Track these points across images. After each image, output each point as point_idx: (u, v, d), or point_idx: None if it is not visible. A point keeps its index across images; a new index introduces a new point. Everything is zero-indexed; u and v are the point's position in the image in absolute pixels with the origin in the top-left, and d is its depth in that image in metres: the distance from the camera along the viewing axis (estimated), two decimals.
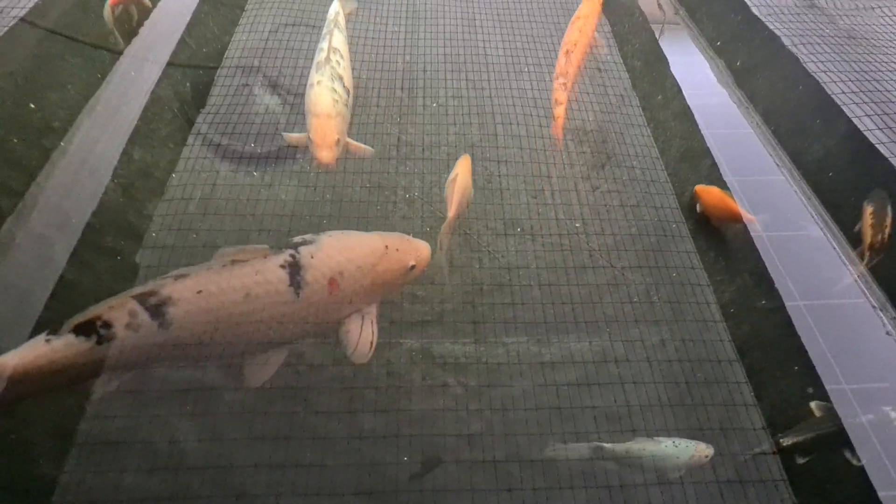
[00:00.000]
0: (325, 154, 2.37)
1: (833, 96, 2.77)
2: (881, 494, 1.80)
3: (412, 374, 2.18)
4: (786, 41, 3.19)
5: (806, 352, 2.15)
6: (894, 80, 2.94)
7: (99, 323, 1.59)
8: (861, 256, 2.38)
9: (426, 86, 3.38)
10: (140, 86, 2.96)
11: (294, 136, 2.68)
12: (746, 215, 2.58)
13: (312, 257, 1.79)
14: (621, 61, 3.72)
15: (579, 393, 2.17)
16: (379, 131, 3.07)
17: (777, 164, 2.87)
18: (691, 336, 2.36)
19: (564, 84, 3.12)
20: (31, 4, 2.87)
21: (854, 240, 2.46)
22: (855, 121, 2.62)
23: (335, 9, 3.08)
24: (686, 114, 3.14)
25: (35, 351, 1.53)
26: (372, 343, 1.81)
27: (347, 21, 3.11)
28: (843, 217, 2.57)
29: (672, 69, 3.49)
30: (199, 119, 3.03)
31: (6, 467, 1.79)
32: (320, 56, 2.69)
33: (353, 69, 3.07)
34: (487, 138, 3.10)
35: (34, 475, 1.83)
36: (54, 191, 2.40)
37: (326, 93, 2.51)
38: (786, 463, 2.02)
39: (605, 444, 1.97)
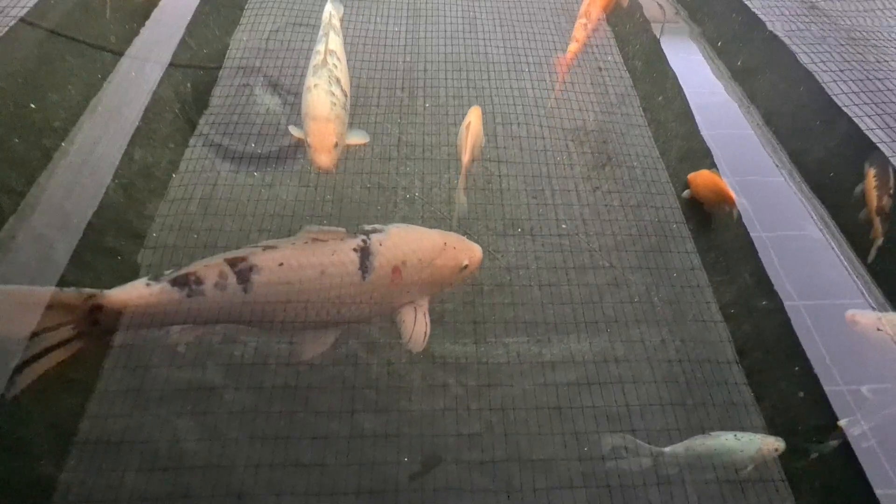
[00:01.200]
0: (324, 158, 2.34)
1: (834, 97, 2.77)
2: (878, 493, 1.80)
3: (412, 374, 2.18)
4: (786, 41, 3.19)
5: (805, 352, 2.15)
6: (895, 79, 2.94)
7: (192, 278, 1.77)
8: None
9: (426, 86, 3.39)
10: (141, 86, 2.97)
11: (298, 132, 2.64)
12: (731, 193, 2.60)
13: (381, 245, 1.92)
14: (622, 61, 3.72)
15: (579, 393, 2.17)
16: (379, 131, 3.08)
17: (777, 165, 2.87)
18: (691, 336, 2.36)
19: (586, 24, 3.23)
20: (31, 4, 2.87)
21: (853, 241, 2.46)
22: (856, 121, 2.62)
23: (329, 10, 3.07)
24: (687, 114, 3.14)
25: (136, 291, 1.74)
26: (425, 333, 1.92)
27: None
28: (844, 218, 2.57)
29: (673, 69, 3.49)
30: (201, 119, 3.04)
31: (7, 466, 1.79)
32: (317, 59, 2.67)
33: (352, 70, 3.07)
34: (488, 138, 3.10)
35: (35, 474, 1.83)
36: (55, 191, 2.40)
37: (324, 96, 2.49)
38: (785, 463, 2.02)
39: (665, 449, 1.95)
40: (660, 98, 3.41)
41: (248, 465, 1.92)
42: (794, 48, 3.13)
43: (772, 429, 2.11)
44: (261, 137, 2.95)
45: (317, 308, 1.84)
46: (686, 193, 2.78)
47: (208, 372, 2.13)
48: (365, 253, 1.88)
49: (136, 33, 3.23)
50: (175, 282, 1.77)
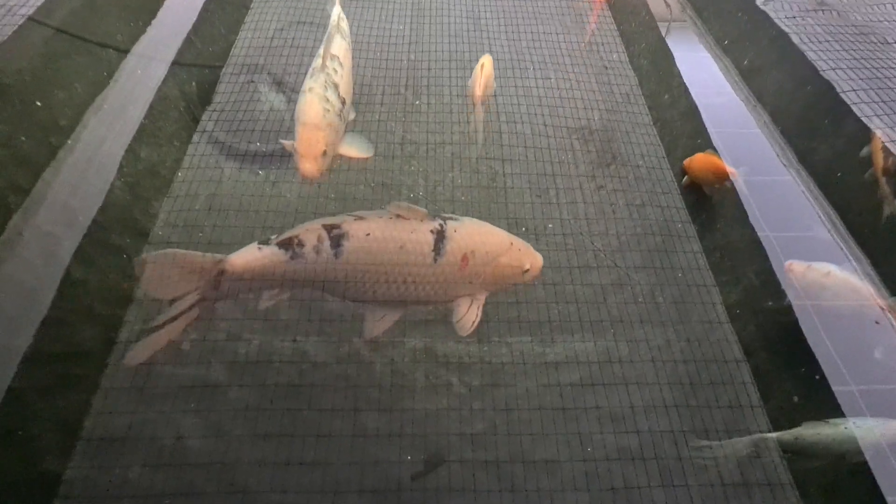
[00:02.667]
0: (308, 166, 2.27)
1: (843, 94, 2.74)
2: (890, 500, 1.78)
3: (416, 374, 2.18)
4: (794, 39, 3.15)
5: (812, 353, 2.13)
6: None
7: (296, 241, 1.93)
8: (876, 182, 2.25)
9: (430, 84, 3.38)
10: (146, 84, 2.98)
11: (290, 144, 2.63)
12: (730, 169, 2.60)
13: (455, 231, 2.00)
14: (627, 60, 3.69)
15: (583, 393, 2.16)
16: (383, 129, 3.07)
17: (784, 164, 2.84)
18: (697, 337, 2.35)
19: None
20: (38, 3, 2.89)
21: (861, 241, 2.43)
22: (865, 120, 2.59)
23: (337, 12, 3.02)
24: (693, 113, 3.12)
25: (251, 254, 1.94)
26: (474, 323, 2.00)
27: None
28: (852, 217, 2.54)
29: (679, 68, 3.46)
30: (205, 117, 3.04)
31: (13, 462, 1.80)
32: (316, 62, 2.62)
33: (356, 68, 3.06)
34: (492, 137, 3.09)
35: (40, 470, 1.84)
36: (61, 188, 2.41)
37: (317, 101, 2.41)
38: (792, 466, 2.00)
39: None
40: (666, 97, 3.39)
41: (252, 463, 1.93)
42: (802, 46, 3.10)
43: (777, 430, 2.09)
44: (265, 135, 2.96)
45: (389, 281, 1.94)
46: (685, 180, 2.80)
47: (212, 369, 2.13)
48: (440, 236, 1.97)
49: (142, 31, 3.24)
50: (281, 245, 1.94)
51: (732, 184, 2.64)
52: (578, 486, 1.94)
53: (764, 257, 2.44)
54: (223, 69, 3.35)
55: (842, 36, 3.20)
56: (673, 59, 3.54)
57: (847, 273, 2.19)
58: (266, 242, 1.96)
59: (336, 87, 2.54)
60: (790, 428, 2.05)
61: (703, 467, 1.99)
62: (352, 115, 2.88)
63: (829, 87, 2.83)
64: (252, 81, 3.27)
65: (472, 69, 3.49)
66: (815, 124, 2.87)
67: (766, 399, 2.17)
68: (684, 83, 3.31)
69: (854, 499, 1.88)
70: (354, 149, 2.56)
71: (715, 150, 2.82)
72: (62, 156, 2.51)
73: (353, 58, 2.96)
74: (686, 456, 2.02)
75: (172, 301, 1.91)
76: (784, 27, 3.26)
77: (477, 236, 2.04)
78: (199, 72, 3.26)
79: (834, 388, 2.04)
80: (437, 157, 2.97)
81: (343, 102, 2.56)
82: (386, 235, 1.94)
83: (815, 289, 2.18)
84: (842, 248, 2.42)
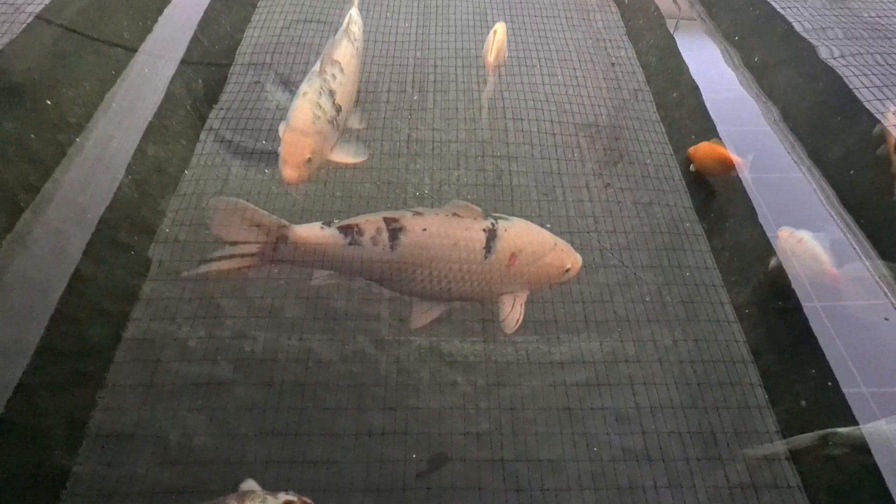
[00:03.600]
0: (290, 172, 2.24)
1: (855, 91, 2.69)
2: None
3: (421, 372, 2.18)
4: (806, 35, 3.10)
5: (823, 354, 2.10)
6: None
7: (356, 228, 2.01)
8: (888, 159, 2.27)
9: (436, 81, 3.37)
10: (154, 83, 2.99)
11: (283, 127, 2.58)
12: (734, 158, 2.61)
13: (505, 231, 2.05)
14: (635, 57, 3.66)
15: (589, 393, 2.14)
16: (389, 127, 3.07)
17: (795, 162, 2.80)
18: (704, 337, 2.32)
19: None
20: (46, 1, 2.91)
21: (875, 240, 2.39)
22: (879, 117, 2.54)
23: (350, 15, 2.96)
24: (701, 111, 3.08)
25: (314, 231, 2.05)
26: (518, 321, 2.05)
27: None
28: (865, 216, 2.50)
29: (688, 65, 3.43)
30: (212, 115, 3.06)
31: (21, 457, 1.83)
32: (315, 66, 2.58)
33: (361, 66, 3.04)
34: (498, 135, 3.08)
35: (48, 465, 1.86)
36: (70, 186, 2.43)
37: (308, 107, 2.37)
38: (801, 468, 1.98)
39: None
40: (674, 94, 3.35)
41: (258, 461, 1.93)
42: (813, 42, 3.05)
43: (787, 433, 2.07)
44: (271, 134, 2.96)
45: (440, 276, 2.00)
46: (691, 168, 2.82)
47: (219, 367, 2.14)
48: (491, 235, 2.02)
49: (149, 30, 3.26)
50: (341, 229, 2.02)
51: (737, 175, 2.64)
52: (584, 486, 1.93)
53: (773, 257, 2.40)
54: (230, 68, 3.36)
55: (854, 31, 3.14)
56: (681, 55, 3.50)
57: (816, 242, 2.24)
58: (328, 224, 2.06)
59: (332, 93, 2.48)
60: (799, 430, 2.03)
61: (710, 469, 1.97)
62: (361, 124, 2.84)
63: (841, 82, 2.79)
64: (259, 80, 3.28)
65: (478, 67, 3.48)
66: (826, 121, 2.83)
67: (775, 401, 2.15)
68: (693, 80, 3.27)
69: (862, 501, 1.85)
70: (346, 155, 2.52)
71: (720, 139, 2.81)
72: (71, 154, 2.54)
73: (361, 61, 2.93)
74: (693, 457, 2.00)
75: (234, 243, 2.04)
76: (795, 22, 3.21)
77: (525, 236, 2.10)
78: (206, 70, 3.27)
79: (844, 391, 2.02)
80: (443, 155, 2.96)
81: (339, 109, 2.50)
82: (441, 232, 2.00)
83: (787, 255, 2.27)
84: (854, 247, 2.38)
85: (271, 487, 1.83)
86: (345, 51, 2.73)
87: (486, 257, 2.00)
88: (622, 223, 2.70)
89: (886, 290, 2.20)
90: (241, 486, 1.73)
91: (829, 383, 2.03)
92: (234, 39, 3.56)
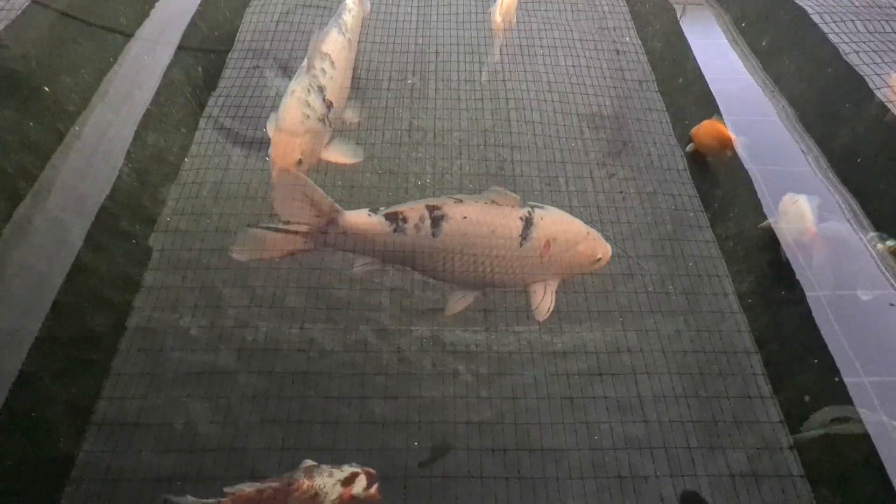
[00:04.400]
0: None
1: (866, 78, 2.64)
2: None
3: (423, 362, 2.18)
4: (816, 19, 3.04)
5: (826, 344, 2.09)
6: None
7: (401, 216, 2.06)
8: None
9: (438, 69, 3.32)
10: (152, 69, 2.95)
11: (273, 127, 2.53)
12: (733, 137, 2.65)
13: (542, 219, 2.09)
14: (640, 43, 3.60)
15: (591, 383, 2.14)
16: (390, 116, 3.03)
17: (803, 151, 2.77)
18: (707, 327, 2.32)
19: None
20: None
21: (882, 230, 2.37)
22: (889, 105, 2.50)
23: (344, 3, 2.88)
24: (707, 98, 3.04)
25: (362, 218, 2.08)
26: (549, 309, 2.09)
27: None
28: (872, 206, 2.47)
29: (693, 51, 3.37)
30: (211, 103, 3.02)
31: (26, 444, 1.84)
32: (305, 62, 2.51)
33: (362, 53, 2.99)
34: (500, 124, 3.04)
35: (53, 453, 1.88)
36: (69, 174, 2.41)
37: (296, 106, 2.31)
38: (803, 458, 1.98)
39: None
40: (679, 81, 3.30)
41: (260, 448, 1.95)
42: (823, 27, 2.99)
43: (788, 421, 2.07)
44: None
45: (478, 263, 2.05)
46: (689, 147, 2.83)
47: (221, 356, 2.14)
48: (528, 223, 2.06)
49: (147, 15, 3.21)
50: (387, 216, 2.06)
51: (735, 155, 2.66)
52: (585, 475, 1.94)
53: (777, 246, 2.39)
54: (229, 54, 3.31)
55: (865, 16, 3.08)
56: (687, 42, 3.44)
57: (808, 203, 2.34)
58: (375, 211, 2.10)
59: (322, 90, 2.41)
60: (801, 420, 2.03)
61: (712, 457, 1.98)
62: (357, 117, 2.76)
63: (850, 70, 2.74)
64: (258, 66, 3.23)
65: (480, 54, 3.43)
66: (835, 109, 2.78)
67: (777, 390, 2.15)
68: (699, 67, 3.22)
69: (864, 490, 1.86)
70: (341, 154, 2.47)
71: (720, 115, 2.81)
72: (69, 141, 2.51)
73: (359, 47, 2.86)
74: (695, 445, 2.01)
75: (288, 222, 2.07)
76: (805, 7, 3.14)
77: (560, 224, 2.14)
78: (204, 56, 3.23)
79: (846, 380, 2.01)
80: (445, 143, 2.93)
81: (330, 106, 2.43)
82: (480, 219, 2.04)
83: (782, 215, 2.40)
84: (861, 237, 2.36)
85: (274, 474, 1.85)
86: (335, 42, 2.63)
87: (521, 244, 2.05)
88: (625, 213, 2.68)
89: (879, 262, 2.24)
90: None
91: (831, 373, 2.03)
92: (233, 25, 3.50)
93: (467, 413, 2.05)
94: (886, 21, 3.02)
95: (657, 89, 3.30)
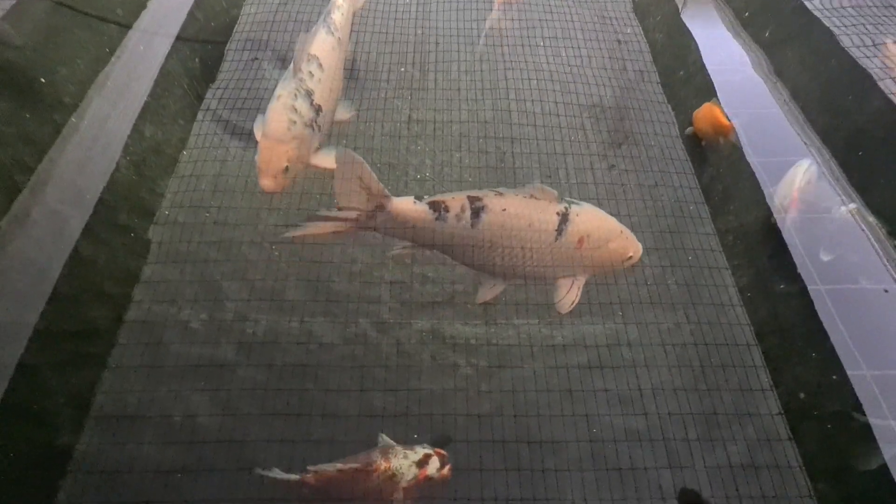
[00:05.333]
0: (267, 183, 2.20)
1: (869, 70, 2.62)
2: None
3: (422, 355, 2.18)
4: (818, 12, 3.01)
5: (827, 336, 2.09)
6: None
7: (443, 205, 2.11)
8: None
9: (438, 60, 3.29)
10: (149, 60, 2.93)
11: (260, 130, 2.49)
12: (728, 123, 2.66)
13: (577, 215, 2.14)
14: (642, 35, 3.57)
15: (591, 376, 2.14)
16: (389, 108, 3.01)
17: (805, 143, 2.75)
18: (708, 319, 2.31)
19: None
20: None
21: (885, 222, 2.36)
22: (891, 97, 2.48)
23: (333, 4, 2.77)
24: (709, 90, 3.01)
25: (408, 204, 2.14)
26: (573, 303, 2.14)
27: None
28: (874, 198, 2.46)
29: (696, 42, 3.34)
30: (209, 95, 3.00)
31: (26, 436, 1.84)
32: (291, 64, 2.45)
33: (361, 44, 2.95)
34: (500, 115, 3.02)
35: (52, 444, 1.88)
36: (67, 166, 2.40)
37: (282, 112, 2.27)
38: (801, 448, 1.99)
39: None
40: (681, 73, 3.27)
41: (260, 440, 1.95)
42: (825, 19, 2.96)
43: (787, 413, 2.07)
44: None
45: (513, 254, 2.11)
46: (689, 130, 2.85)
47: (221, 349, 2.14)
48: (563, 218, 2.11)
49: (143, 6, 3.17)
50: (431, 205, 2.13)
51: (733, 141, 2.68)
52: (584, 466, 1.94)
53: (779, 239, 2.37)
54: (227, 45, 3.28)
55: (867, 7, 3.04)
56: (689, 33, 3.40)
57: (801, 169, 2.42)
58: (420, 199, 2.16)
59: (309, 94, 2.36)
60: (803, 412, 2.03)
61: (711, 449, 1.98)
62: (349, 114, 2.70)
63: (853, 62, 2.71)
64: (256, 58, 3.21)
65: (479, 45, 3.40)
66: (837, 101, 2.76)
67: (777, 383, 2.15)
68: (701, 58, 3.19)
69: (863, 481, 1.86)
70: (330, 160, 2.41)
71: (718, 99, 2.82)
72: (67, 134, 2.49)
73: (356, 35, 2.81)
74: (694, 438, 2.01)
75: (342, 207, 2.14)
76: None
77: (594, 221, 2.18)
78: (202, 48, 3.20)
79: (847, 373, 2.01)
80: (444, 136, 2.91)
81: (318, 110, 2.38)
82: (519, 212, 2.10)
83: (783, 178, 2.46)
84: (863, 229, 2.35)
85: (273, 465, 1.85)
86: (323, 43, 2.55)
87: (556, 239, 2.10)
88: (626, 205, 2.66)
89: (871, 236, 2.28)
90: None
91: (832, 365, 2.02)
92: (231, 15, 3.47)
93: (467, 406, 2.06)
94: (889, 16, 2.98)
95: (659, 81, 3.28)
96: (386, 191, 2.10)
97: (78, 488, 1.83)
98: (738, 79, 3.14)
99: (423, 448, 1.83)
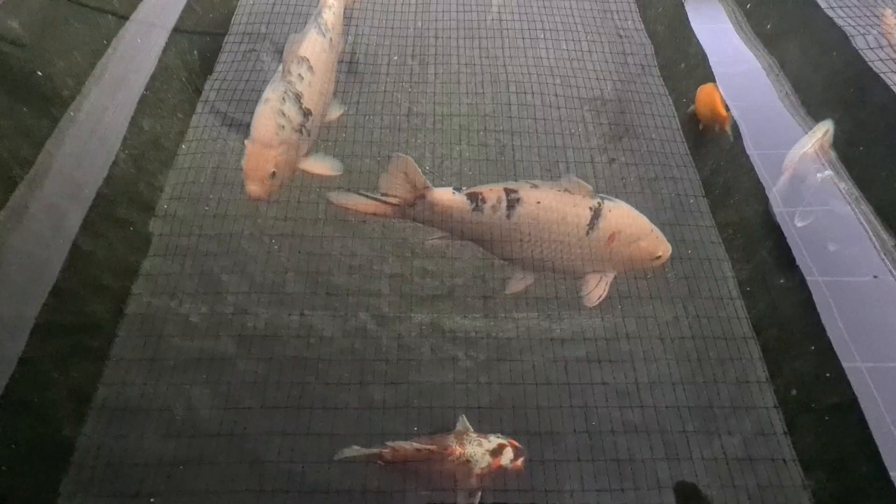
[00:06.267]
0: (254, 188, 2.16)
1: (871, 63, 2.60)
2: (893, 475, 1.78)
3: (422, 348, 2.19)
4: (821, 2, 2.98)
5: (824, 329, 2.10)
6: None
7: (480, 196, 2.16)
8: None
9: (438, 53, 3.27)
10: (147, 53, 2.90)
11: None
12: (724, 112, 2.69)
13: (610, 211, 2.17)
14: (643, 27, 3.54)
15: (589, 369, 2.16)
16: (388, 101, 2.99)
17: (818, 177, 2.73)
18: (706, 313, 2.32)
19: None
20: None
21: (884, 216, 2.36)
22: (894, 89, 2.47)
23: (324, 3, 2.72)
24: (710, 83, 2.99)
25: (447, 195, 2.19)
26: (601, 297, 2.17)
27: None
28: (875, 192, 2.45)
29: (697, 35, 3.31)
30: (207, 87, 2.98)
31: (29, 429, 1.85)
32: (280, 66, 2.40)
33: (360, 35, 2.92)
34: (501, 108, 3.00)
35: (54, 437, 1.89)
36: (65, 160, 2.39)
37: (270, 116, 2.22)
38: (796, 441, 2.00)
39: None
40: (682, 65, 3.25)
41: (261, 433, 1.96)
42: (828, 10, 2.93)
43: (783, 406, 2.09)
44: None
45: (544, 247, 2.15)
46: (690, 109, 2.87)
47: (221, 342, 2.15)
48: (596, 214, 2.15)
49: None
50: (469, 195, 2.17)
51: (727, 131, 2.70)
52: (583, 458, 1.96)
53: (778, 232, 2.38)
54: (225, 37, 3.25)
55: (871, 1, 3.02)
56: (690, 25, 3.38)
57: (810, 142, 2.49)
58: (459, 190, 2.20)
59: (298, 97, 2.31)
60: (799, 406, 2.05)
61: (708, 441, 2.00)
62: (339, 112, 2.64)
63: (855, 54, 2.69)
64: (254, 50, 3.18)
65: (481, 38, 3.37)
66: (840, 94, 2.75)
67: (774, 376, 2.16)
68: (703, 51, 3.17)
69: (857, 474, 1.89)
70: (320, 166, 2.40)
71: (716, 83, 2.86)
72: (64, 127, 2.48)
73: (354, 28, 2.76)
74: (691, 430, 2.03)
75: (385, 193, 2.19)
76: None
77: (627, 218, 2.21)
78: (200, 39, 3.17)
79: (843, 366, 2.02)
80: (444, 129, 2.90)
81: (308, 114, 2.33)
82: (553, 206, 2.13)
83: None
84: (863, 224, 2.35)
85: (274, 459, 1.87)
86: (313, 44, 2.49)
87: (588, 234, 2.13)
88: (626, 199, 2.64)
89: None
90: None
91: (829, 358, 2.04)
92: (229, 7, 3.44)
93: (466, 398, 2.07)
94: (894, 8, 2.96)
95: (660, 73, 3.26)
96: (426, 180, 2.15)
97: (80, 480, 1.84)
98: (741, 70, 3.12)
99: (498, 438, 1.85)
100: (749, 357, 2.21)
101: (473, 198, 2.16)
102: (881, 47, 2.57)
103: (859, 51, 2.69)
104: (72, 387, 1.98)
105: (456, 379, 2.12)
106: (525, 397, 2.08)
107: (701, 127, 2.85)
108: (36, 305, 1.96)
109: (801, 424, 2.02)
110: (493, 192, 2.16)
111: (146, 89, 2.73)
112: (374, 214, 2.24)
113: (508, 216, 2.13)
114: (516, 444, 1.84)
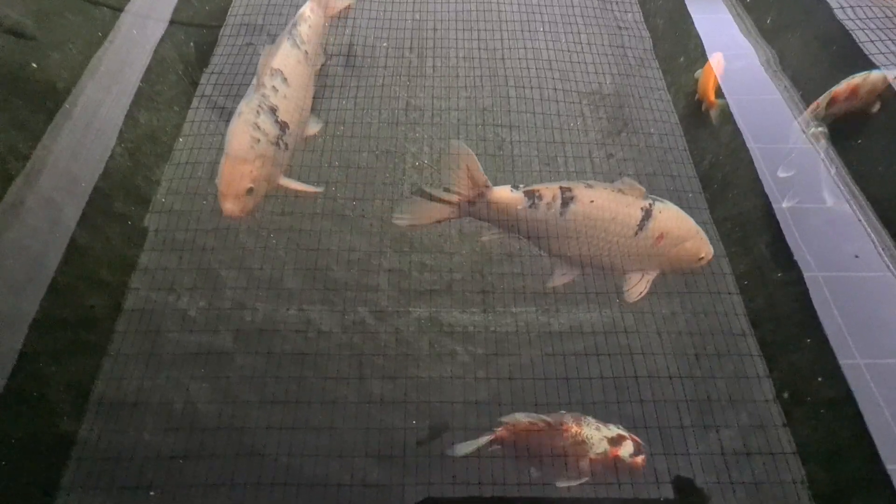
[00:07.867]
0: (229, 205, 2.05)
1: (871, 56, 2.59)
2: (890, 469, 1.79)
3: (420, 342, 2.19)
4: None
5: (821, 325, 2.10)
6: None
7: (537, 193, 2.21)
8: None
9: (436, 46, 3.25)
10: (142, 45, 2.88)
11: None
12: (713, 97, 2.76)
13: (660, 213, 2.21)
14: (642, 20, 3.52)
15: (587, 363, 2.16)
16: (387, 94, 2.98)
17: (804, 132, 2.73)
18: (704, 308, 2.33)
19: None
20: None
21: (882, 212, 2.36)
22: (894, 84, 2.46)
23: (301, 13, 2.64)
24: (719, 53, 2.97)
25: (506, 193, 2.24)
26: (641, 294, 2.20)
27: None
28: (873, 188, 2.45)
29: (697, 28, 3.29)
30: (203, 80, 2.96)
31: (29, 423, 1.85)
32: (254, 79, 2.33)
33: (358, 28, 2.90)
34: (499, 102, 2.99)
35: (53, 431, 1.90)
36: (61, 154, 2.37)
37: (244, 130, 2.12)
38: (795, 435, 2.01)
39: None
40: (681, 60, 3.24)
41: (260, 427, 1.97)
42: (830, 2, 2.92)
43: (780, 400, 2.10)
44: None
45: (593, 245, 2.19)
46: (697, 73, 2.94)
47: (219, 337, 2.15)
48: (647, 215, 2.18)
49: None
50: (526, 193, 2.22)
51: (713, 118, 2.77)
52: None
53: (776, 227, 2.38)
54: (221, 30, 3.23)
55: None
56: (691, 18, 3.36)
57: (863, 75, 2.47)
58: (516, 187, 2.25)
59: (273, 110, 2.22)
60: (796, 400, 2.06)
61: (705, 435, 2.01)
62: (315, 128, 2.56)
63: (857, 48, 2.68)
64: (251, 43, 3.16)
65: (479, 31, 3.35)
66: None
67: (771, 370, 2.17)
68: (702, 45, 3.15)
69: (855, 467, 1.90)
70: (300, 182, 2.33)
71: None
72: (60, 121, 2.46)
73: (353, 20, 2.73)
74: (688, 424, 2.04)
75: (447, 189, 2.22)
76: None
77: (675, 219, 2.24)
78: (196, 32, 3.14)
79: (840, 362, 2.03)
80: (443, 123, 2.88)
81: (284, 127, 2.24)
82: (606, 205, 2.17)
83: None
84: (860, 220, 2.35)
85: (273, 453, 1.87)
86: (287, 57, 2.42)
87: (636, 234, 2.18)
88: None
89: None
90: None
91: (826, 355, 2.04)
92: None
93: (464, 393, 2.07)
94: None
95: (659, 67, 3.24)
96: (485, 178, 2.17)
97: (80, 474, 1.85)
98: (740, 64, 3.10)
99: (618, 427, 1.82)
100: (748, 352, 2.22)
101: (530, 195, 2.20)
102: (890, 65, 2.56)
103: (860, 45, 2.68)
104: (70, 381, 1.98)
105: (454, 373, 2.12)
106: (523, 392, 2.09)
107: (696, 97, 2.90)
108: (34, 300, 1.95)
109: (798, 417, 2.03)
110: (549, 190, 2.20)
111: (142, 82, 2.71)
112: (439, 221, 2.28)
113: (562, 213, 2.17)
114: (638, 439, 1.81)
